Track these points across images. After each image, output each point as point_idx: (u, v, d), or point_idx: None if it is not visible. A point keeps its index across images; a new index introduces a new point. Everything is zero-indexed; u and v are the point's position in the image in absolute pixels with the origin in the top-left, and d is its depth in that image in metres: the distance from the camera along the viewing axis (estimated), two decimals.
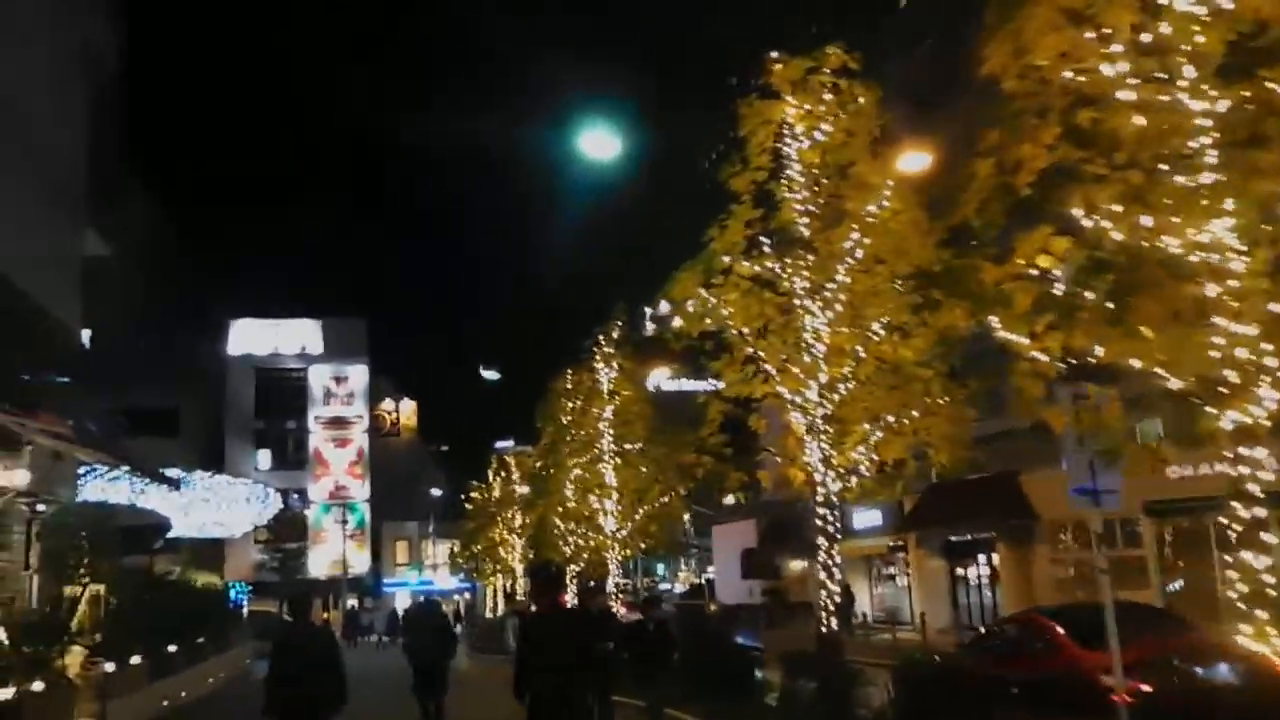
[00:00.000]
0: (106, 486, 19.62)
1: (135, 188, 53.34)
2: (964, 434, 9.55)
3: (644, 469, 18.02)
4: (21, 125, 13.76)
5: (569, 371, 20.45)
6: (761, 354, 9.92)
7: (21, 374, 11.58)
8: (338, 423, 58.29)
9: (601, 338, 18.95)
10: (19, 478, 13.65)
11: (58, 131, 15.40)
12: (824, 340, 9.63)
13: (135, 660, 13.13)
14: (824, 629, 10.30)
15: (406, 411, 67.79)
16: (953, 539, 28.35)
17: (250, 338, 58.30)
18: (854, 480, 10.14)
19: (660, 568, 62.09)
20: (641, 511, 17.95)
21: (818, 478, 10.11)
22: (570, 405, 19.41)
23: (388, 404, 65.81)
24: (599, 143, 12.92)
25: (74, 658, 12.08)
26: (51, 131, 15.12)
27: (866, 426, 9.61)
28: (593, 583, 17.46)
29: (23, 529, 13.65)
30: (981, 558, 27.90)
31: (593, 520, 18.51)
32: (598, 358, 18.86)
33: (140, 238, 53.75)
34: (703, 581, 58.25)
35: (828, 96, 9.80)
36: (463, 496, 43.97)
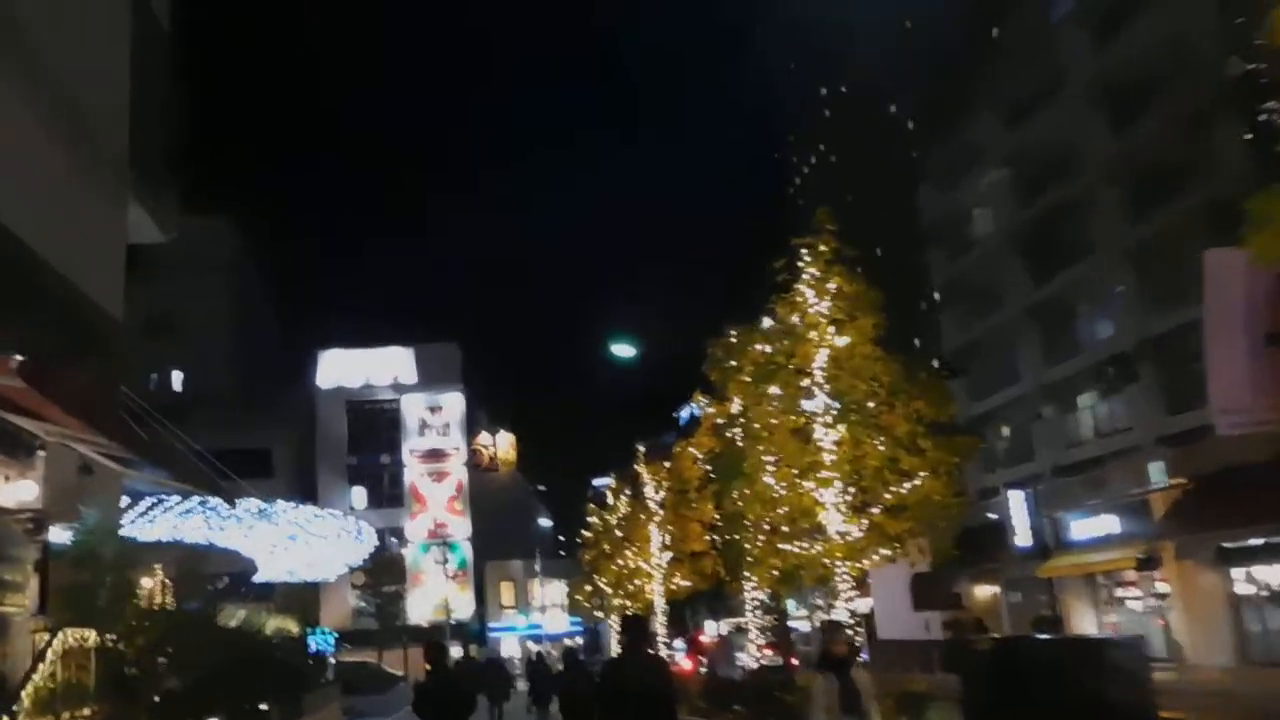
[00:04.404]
0: (179, 522, 15.91)
1: (225, 226, 51.32)
2: None
3: (880, 442, 12.20)
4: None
5: (732, 330, 14.73)
6: None
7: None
8: (434, 455, 54.13)
9: (805, 252, 12.85)
10: (24, 492, 9.38)
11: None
12: None
13: None
14: None
15: (504, 445, 63.43)
16: (1227, 545, 21.61)
17: (340, 369, 54.98)
18: None
19: (792, 603, 55.54)
20: (891, 494, 12.01)
21: None
22: (762, 354, 13.32)
23: (484, 438, 61.51)
24: None
25: None
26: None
27: None
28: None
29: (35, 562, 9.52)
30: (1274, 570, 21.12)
31: (809, 518, 12.64)
32: (803, 279, 12.79)
33: (235, 283, 51.54)
34: (834, 618, 51.19)
35: None
36: (584, 522, 38.65)
